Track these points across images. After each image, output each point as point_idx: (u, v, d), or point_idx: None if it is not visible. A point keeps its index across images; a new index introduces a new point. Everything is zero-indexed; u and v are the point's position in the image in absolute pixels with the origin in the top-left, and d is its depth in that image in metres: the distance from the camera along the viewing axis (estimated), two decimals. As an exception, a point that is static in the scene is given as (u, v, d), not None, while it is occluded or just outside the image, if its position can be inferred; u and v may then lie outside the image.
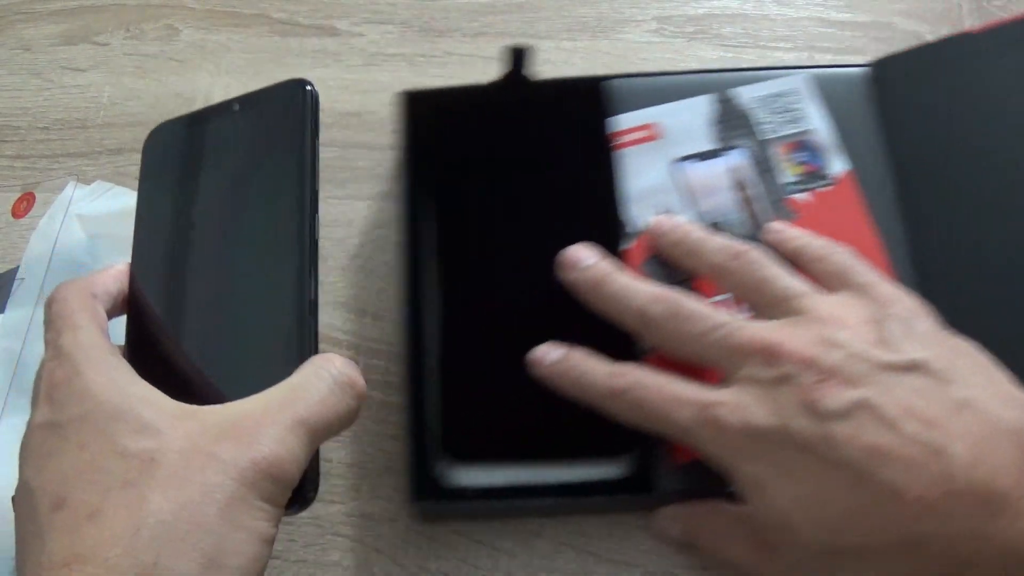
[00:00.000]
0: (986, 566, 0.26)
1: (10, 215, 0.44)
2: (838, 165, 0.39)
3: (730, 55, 0.47)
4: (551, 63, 0.47)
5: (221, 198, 0.30)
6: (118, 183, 0.44)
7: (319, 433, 0.26)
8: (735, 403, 0.28)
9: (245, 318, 0.28)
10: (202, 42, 0.49)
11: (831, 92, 0.40)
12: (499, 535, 0.37)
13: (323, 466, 0.34)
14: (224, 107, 0.32)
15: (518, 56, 0.39)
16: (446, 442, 0.34)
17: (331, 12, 0.50)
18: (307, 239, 0.28)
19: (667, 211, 0.38)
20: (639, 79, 0.41)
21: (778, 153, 0.39)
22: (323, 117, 0.32)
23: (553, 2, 0.49)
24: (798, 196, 0.38)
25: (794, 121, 0.40)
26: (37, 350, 0.37)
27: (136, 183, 0.45)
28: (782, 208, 0.38)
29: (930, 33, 0.48)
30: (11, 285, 0.40)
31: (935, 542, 0.26)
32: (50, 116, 0.47)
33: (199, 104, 0.47)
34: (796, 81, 0.40)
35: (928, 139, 0.39)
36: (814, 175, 0.39)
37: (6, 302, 0.39)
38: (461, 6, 0.49)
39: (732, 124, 0.40)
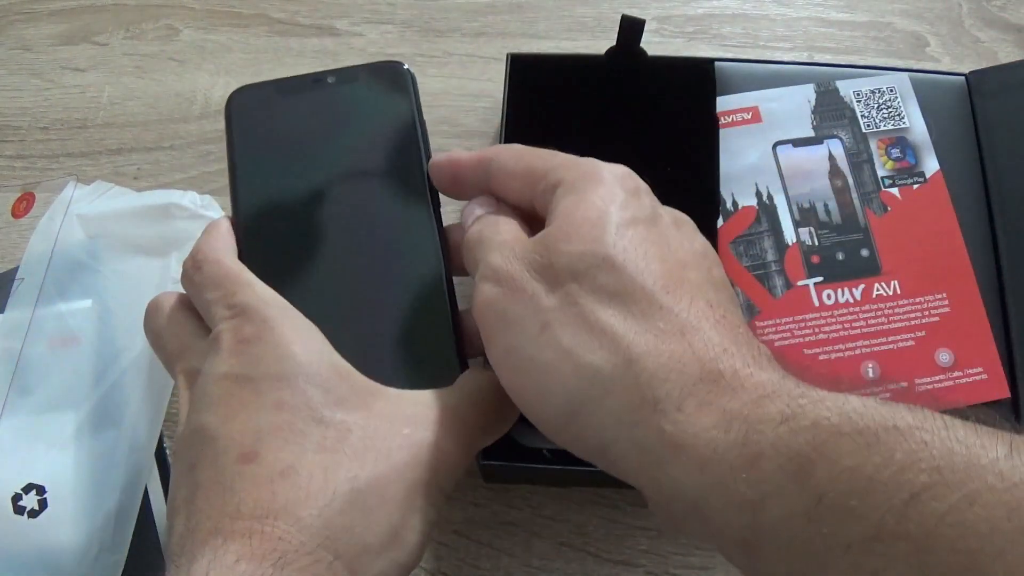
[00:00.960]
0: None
1: (10, 215, 0.44)
2: (931, 165, 0.40)
3: (730, 55, 0.47)
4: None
5: (337, 170, 0.30)
6: (118, 183, 0.44)
7: (477, 448, 0.27)
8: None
9: (388, 305, 0.28)
10: (202, 42, 0.49)
11: (927, 95, 0.42)
12: (499, 535, 0.37)
13: None
14: (317, 78, 0.32)
15: (631, 28, 0.39)
16: None
17: (331, 12, 0.50)
18: (436, 223, 0.29)
19: (760, 191, 0.40)
20: (746, 64, 0.43)
21: (875, 146, 0.41)
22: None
23: (553, 2, 0.49)
24: (891, 190, 0.40)
25: (893, 118, 0.41)
26: (37, 350, 0.37)
27: (135, 183, 0.46)
28: (875, 200, 0.40)
29: (929, 33, 0.48)
30: (11, 285, 0.39)
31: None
32: (50, 116, 0.47)
33: (199, 104, 0.47)
34: (898, 80, 0.42)
35: (1020, 149, 0.40)
36: (907, 171, 0.40)
37: (6, 302, 0.39)
38: (461, 6, 0.49)
39: (832, 114, 0.42)
